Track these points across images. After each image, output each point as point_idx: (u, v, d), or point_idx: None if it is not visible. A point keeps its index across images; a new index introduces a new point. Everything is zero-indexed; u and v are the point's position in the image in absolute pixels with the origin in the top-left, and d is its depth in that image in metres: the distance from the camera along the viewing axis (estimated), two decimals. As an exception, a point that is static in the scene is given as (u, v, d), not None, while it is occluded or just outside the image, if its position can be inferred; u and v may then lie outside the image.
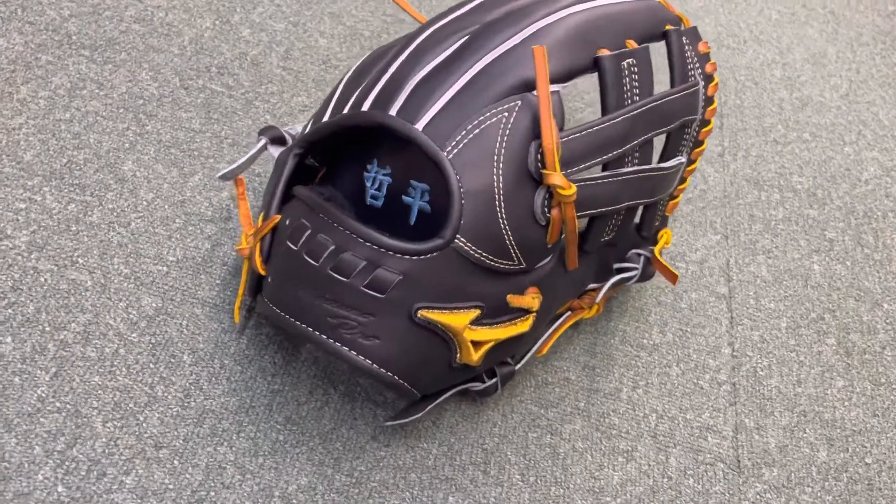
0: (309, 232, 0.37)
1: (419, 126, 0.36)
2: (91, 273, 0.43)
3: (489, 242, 0.36)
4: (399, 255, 0.35)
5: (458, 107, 0.37)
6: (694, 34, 0.45)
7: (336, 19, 0.61)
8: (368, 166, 0.42)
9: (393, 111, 0.37)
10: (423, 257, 0.36)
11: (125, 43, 0.54)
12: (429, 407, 0.40)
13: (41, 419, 0.38)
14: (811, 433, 0.48)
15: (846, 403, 0.50)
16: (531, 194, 0.37)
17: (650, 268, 0.47)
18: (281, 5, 0.61)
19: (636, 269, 0.46)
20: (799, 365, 0.51)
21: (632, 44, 0.41)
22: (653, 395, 0.47)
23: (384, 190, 0.42)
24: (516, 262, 0.38)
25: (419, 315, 0.36)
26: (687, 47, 0.44)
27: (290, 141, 0.44)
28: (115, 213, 0.46)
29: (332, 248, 0.36)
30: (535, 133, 0.37)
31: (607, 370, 0.48)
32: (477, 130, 0.36)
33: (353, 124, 0.39)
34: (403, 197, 0.41)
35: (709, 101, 0.45)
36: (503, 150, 0.36)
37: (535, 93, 0.37)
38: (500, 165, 0.36)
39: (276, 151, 0.44)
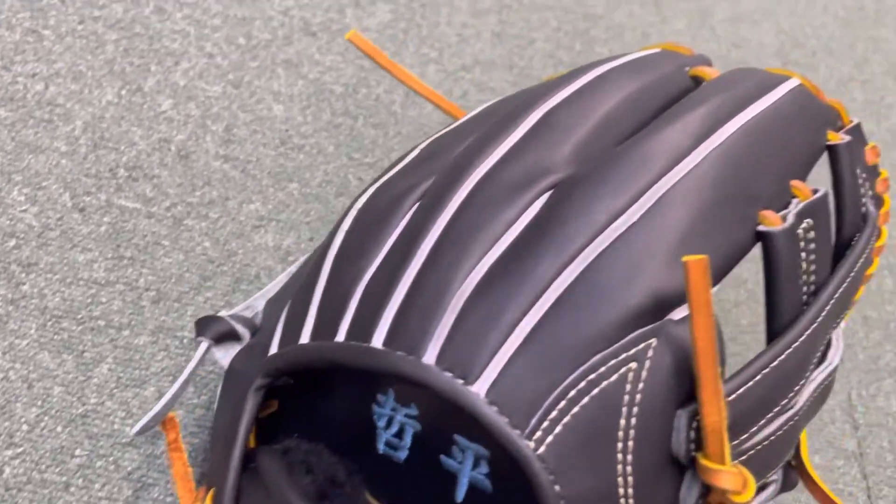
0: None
1: (479, 388, 0.21)
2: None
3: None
4: None
5: (546, 352, 0.21)
6: (858, 136, 0.29)
7: (293, 71, 0.44)
8: (381, 398, 0.26)
9: (430, 354, 0.21)
10: None
11: (-16, 141, 0.36)
12: None
13: None
14: None
15: None
16: (675, 486, 0.22)
17: (793, 474, 0.32)
18: (214, 55, 0.43)
19: (775, 480, 0.31)
20: (963, 551, 0.38)
21: (802, 189, 0.25)
22: None
23: (407, 439, 0.26)
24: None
25: None
26: (856, 163, 0.28)
27: (245, 336, 0.28)
28: (-25, 457, 0.29)
29: None
30: (681, 392, 0.21)
31: None
32: (586, 399, 0.21)
33: (355, 366, 0.22)
34: (443, 458, 0.25)
35: (877, 233, 0.30)
36: (632, 430, 0.21)
37: (676, 315, 0.22)
38: (629, 456, 0.21)
39: (225, 357, 0.28)
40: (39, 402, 0.31)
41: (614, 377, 0.21)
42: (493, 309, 0.21)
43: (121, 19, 0.42)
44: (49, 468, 0.30)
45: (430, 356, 0.21)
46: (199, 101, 0.41)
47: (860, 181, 0.28)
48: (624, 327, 0.21)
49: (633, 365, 0.21)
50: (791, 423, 0.24)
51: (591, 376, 0.21)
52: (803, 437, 0.32)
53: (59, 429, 0.31)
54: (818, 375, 0.26)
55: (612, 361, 0.21)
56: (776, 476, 0.31)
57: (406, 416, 0.26)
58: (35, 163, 0.36)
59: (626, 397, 0.21)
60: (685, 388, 0.21)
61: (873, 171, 0.30)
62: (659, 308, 0.21)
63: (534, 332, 0.21)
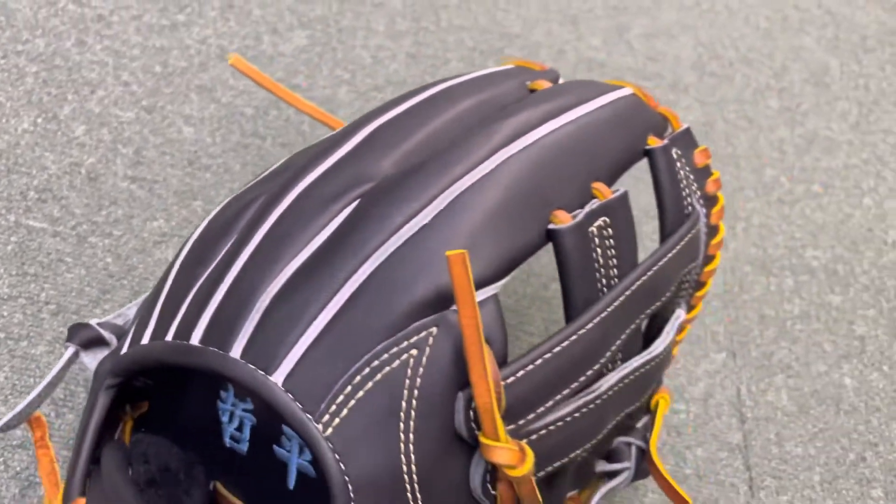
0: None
1: (277, 377, 0.23)
2: None
3: (403, 549, 0.23)
4: None
5: (338, 342, 0.23)
6: (686, 141, 0.31)
7: (206, 95, 0.46)
8: (223, 394, 0.28)
9: (236, 349, 0.23)
10: None
11: None
12: None
13: None
14: None
15: (908, 589, 0.38)
16: (463, 465, 0.24)
17: (645, 463, 0.33)
18: (130, 83, 0.45)
19: (627, 467, 0.33)
20: (842, 539, 0.39)
21: (602, 189, 0.27)
22: None
23: (247, 432, 0.28)
24: (450, 557, 0.24)
25: None
26: (678, 164, 0.30)
27: (112, 342, 0.30)
28: None
29: None
30: (462, 376, 0.23)
31: None
32: (370, 384, 0.23)
33: (178, 363, 0.25)
34: (275, 448, 0.27)
35: (713, 231, 0.32)
36: (413, 412, 0.23)
37: (455, 307, 0.23)
38: (411, 436, 0.23)
39: (92, 361, 0.30)
40: (-63, 409, 0.33)
41: (396, 363, 0.23)
42: (294, 307, 0.23)
43: (42, 52, 0.45)
44: (-58, 469, 0.32)
45: (236, 351, 0.23)
46: (111, 126, 0.43)
47: (683, 182, 0.30)
48: (408, 318, 0.23)
49: (414, 352, 0.23)
50: (591, 406, 0.26)
51: (375, 363, 0.23)
52: (656, 428, 0.33)
53: (-47, 433, 0.33)
54: (633, 363, 0.28)
55: (395, 349, 0.23)
56: (629, 464, 0.33)
57: (244, 410, 0.28)
58: (-51, 188, 0.39)
59: (407, 381, 0.23)
60: (463, 371, 0.23)
61: (703, 173, 0.31)
62: (441, 301, 0.23)
63: (328, 326, 0.23)
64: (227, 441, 0.28)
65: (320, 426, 0.22)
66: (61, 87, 0.44)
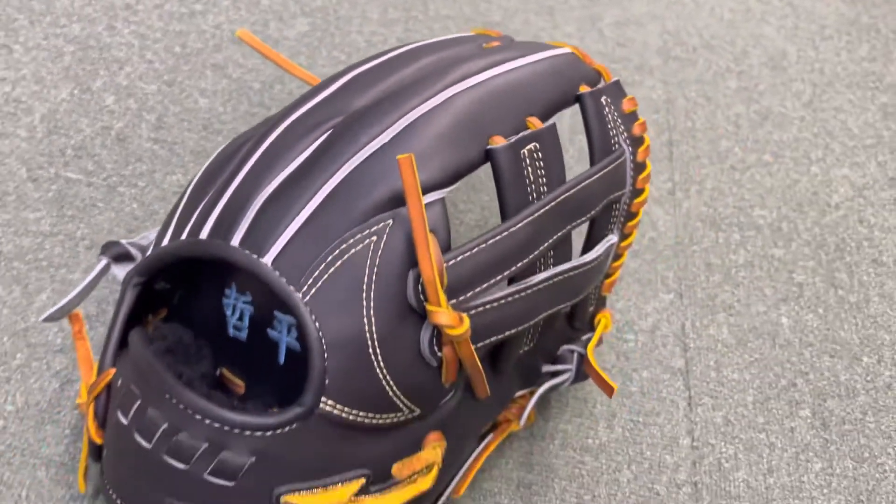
0: (139, 403, 0.29)
1: (267, 259, 0.29)
2: None
3: (366, 399, 0.29)
4: (248, 433, 0.28)
5: (316, 231, 0.29)
6: (616, 90, 0.37)
7: (219, 72, 0.53)
8: (227, 291, 0.35)
9: (236, 239, 0.30)
10: (279, 432, 0.28)
11: (-39, 130, 0.46)
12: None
13: None
14: (787, 536, 0.41)
15: (825, 491, 0.43)
16: (415, 332, 0.30)
17: (584, 367, 0.39)
18: (153, 61, 0.52)
19: (569, 369, 0.39)
20: (770, 448, 0.44)
21: (534, 122, 0.33)
22: (600, 511, 0.40)
23: (246, 320, 0.34)
24: (406, 411, 0.30)
25: (282, 501, 0.29)
26: (607, 109, 0.36)
27: (137, 257, 0.37)
28: (-61, 357, 0.38)
29: (165, 426, 0.29)
30: (413, 258, 0.29)
31: (546, 486, 0.41)
32: (339, 262, 0.29)
33: (190, 255, 0.31)
34: (269, 331, 0.33)
35: (640, 167, 0.38)
36: (374, 284, 0.29)
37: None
38: (372, 303, 0.29)
39: (121, 272, 0.36)
40: (-8, 320, 0.40)
41: (359, 247, 0.29)
42: (281, 206, 0.30)
43: (77, 35, 0.52)
44: (-4, 367, 0.38)
45: (235, 241, 0.30)
46: (137, 97, 0.50)
47: (611, 124, 0.36)
48: (370, 214, 0.29)
49: (374, 238, 0.29)
50: (523, 294, 0.32)
51: (343, 246, 0.29)
52: (595, 338, 0.39)
53: (4, 339, 0.39)
54: (562, 267, 0.34)
55: (359, 236, 0.29)
56: (571, 366, 0.39)
57: (244, 302, 0.34)
58: (0, 145, 0.46)
59: (368, 261, 0.29)
60: (413, 255, 0.29)
61: (630, 117, 0.37)
62: (396, 201, 0.29)
63: (308, 220, 0.29)
64: (231, 331, 0.35)
65: (300, 295, 0.28)
66: (94, 64, 0.51)
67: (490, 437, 0.38)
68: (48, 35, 0.52)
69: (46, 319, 0.34)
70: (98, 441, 0.32)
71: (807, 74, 0.66)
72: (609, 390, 0.36)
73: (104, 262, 0.36)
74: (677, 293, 0.50)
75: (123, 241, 0.37)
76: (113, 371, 0.32)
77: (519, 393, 0.39)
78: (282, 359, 0.33)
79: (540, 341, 0.36)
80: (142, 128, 0.49)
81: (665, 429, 0.44)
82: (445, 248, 0.30)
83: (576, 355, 0.39)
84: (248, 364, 0.35)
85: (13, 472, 0.36)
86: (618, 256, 0.40)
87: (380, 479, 0.31)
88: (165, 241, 0.32)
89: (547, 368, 0.38)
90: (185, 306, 0.36)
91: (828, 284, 0.53)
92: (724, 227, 0.54)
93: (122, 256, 0.36)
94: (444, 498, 0.36)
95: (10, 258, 0.42)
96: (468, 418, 0.34)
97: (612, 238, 0.38)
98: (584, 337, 0.40)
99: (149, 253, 0.33)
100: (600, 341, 0.41)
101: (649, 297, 0.49)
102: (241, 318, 0.34)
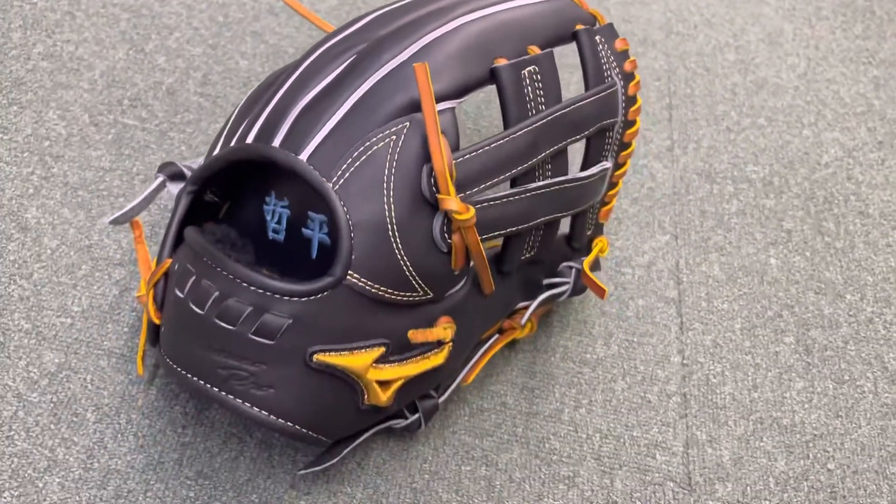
0: (194, 278, 0.35)
1: (303, 156, 0.34)
2: (-11, 331, 0.41)
3: (387, 276, 0.34)
4: (287, 298, 0.33)
5: (344, 133, 0.34)
6: (609, 31, 0.42)
7: (258, 38, 0.59)
8: (267, 199, 0.40)
9: (276, 142, 0.35)
10: (313, 298, 0.33)
11: (32, 82, 0.52)
12: (344, 451, 0.38)
13: (-68, 494, 0.36)
14: (768, 441, 0.45)
15: (806, 406, 0.47)
16: (429, 220, 0.34)
17: (582, 281, 0.44)
18: (199, 28, 0.58)
19: (567, 283, 0.44)
20: (755, 368, 0.48)
21: (534, 50, 0.38)
22: (596, 413, 0.45)
23: (284, 223, 0.39)
24: (421, 292, 0.35)
25: (315, 359, 0.34)
26: (601, 46, 0.41)
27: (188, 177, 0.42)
28: (16, 265, 0.44)
29: (217, 294, 0.34)
30: (427, 155, 0.34)
31: (547, 391, 0.45)
32: (364, 157, 0.34)
33: (237, 158, 0.36)
34: (303, 230, 0.38)
35: (631, 100, 0.43)
36: (393, 176, 0.34)
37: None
38: (392, 192, 0.34)
39: (175, 188, 0.42)
40: (59, 238, 0.45)
41: (381, 144, 0.34)
42: (315, 113, 0.35)
43: (132, 5, 0.58)
44: (63, 277, 0.44)
45: (276, 143, 0.35)
46: (185, 57, 0.56)
47: (604, 59, 0.41)
48: (391, 118, 0.34)
49: (393, 137, 0.34)
50: (522, 196, 0.36)
51: (367, 144, 0.34)
52: (591, 255, 0.44)
53: (71, 253, 0.45)
54: (559, 178, 0.38)
55: (380, 135, 0.34)
56: (569, 280, 0.44)
57: (282, 207, 0.39)
58: (66, 95, 0.52)
59: (388, 156, 0.34)
60: (427, 153, 0.34)
61: (622, 56, 0.42)
62: (413, 107, 0.35)
63: (337, 124, 0.35)
64: (270, 234, 0.40)
65: (331, 185, 0.33)
66: (146, 30, 0.57)
67: (496, 337, 0.43)
68: (106, 4, 0.58)
69: (113, 222, 0.39)
70: (157, 321, 0.37)
71: (802, 49, 0.71)
72: (601, 293, 0.41)
73: (161, 178, 0.41)
74: (672, 235, 0.55)
75: (178, 162, 0.42)
76: (170, 261, 0.37)
77: (521, 304, 0.43)
78: (314, 253, 0.38)
79: (540, 252, 0.41)
80: (189, 84, 0.55)
81: (658, 348, 0.48)
82: (455, 149, 0.35)
83: (574, 271, 0.44)
84: (285, 263, 0.40)
85: (80, 361, 0.41)
86: (613, 185, 0.45)
87: (397, 351, 0.36)
88: (216, 152, 0.38)
89: (547, 281, 0.43)
90: (230, 216, 0.41)
91: (815, 231, 0.57)
92: (719, 180, 0.59)
93: (177, 175, 0.42)
94: (454, 384, 0.41)
95: (75, 187, 0.48)
96: (475, 311, 0.39)
97: (607, 164, 0.42)
98: (582, 258, 0.45)
99: (200, 165, 0.39)
100: (597, 261, 0.45)
101: (647, 237, 0.54)
102: (279, 222, 0.39)
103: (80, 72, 0.53)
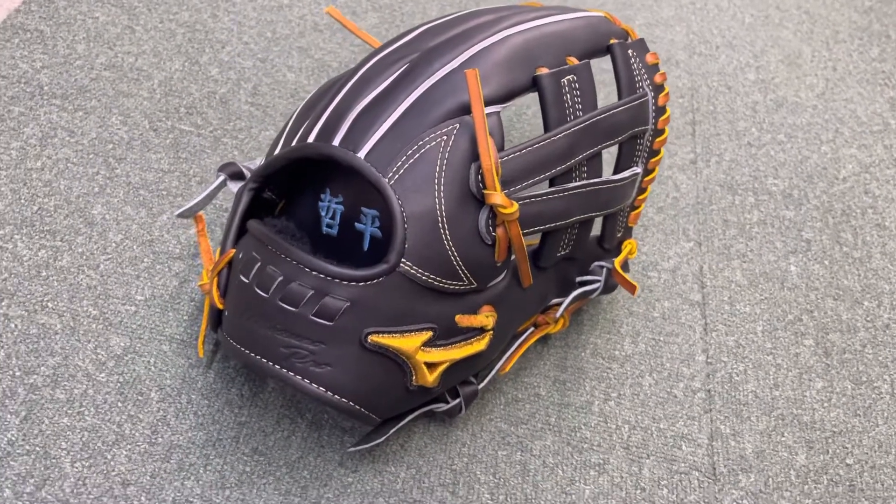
0: (259, 264, 0.38)
1: (361, 154, 0.37)
2: (60, 316, 0.44)
3: (436, 264, 0.37)
4: (346, 283, 0.36)
5: (399, 133, 0.37)
6: (641, 46, 0.45)
7: (304, 53, 0.62)
8: (322, 196, 0.43)
9: (336, 141, 0.38)
10: (369, 283, 0.36)
11: (96, 90, 0.56)
12: (391, 431, 0.41)
13: (11, 462, 0.39)
14: (789, 436, 0.48)
15: (825, 404, 0.49)
16: (475, 214, 0.37)
17: (612, 279, 0.47)
18: (249, 43, 0.62)
19: (598, 281, 0.46)
20: (776, 368, 0.51)
21: (572, 60, 0.41)
22: (625, 406, 0.47)
23: (338, 218, 0.42)
24: (466, 282, 0.38)
25: (369, 340, 0.37)
26: (633, 59, 0.44)
27: (248, 176, 0.45)
28: (84, 257, 0.47)
29: (281, 279, 0.37)
30: (475, 154, 0.37)
31: (578, 384, 0.48)
32: (417, 155, 0.37)
33: (300, 156, 0.39)
34: (356, 224, 0.41)
35: (660, 110, 0.46)
36: (444, 173, 0.37)
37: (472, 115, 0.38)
38: (442, 188, 0.37)
39: (235, 187, 0.45)
40: (123, 233, 0.49)
41: (433, 144, 0.37)
42: (372, 115, 0.38)
43: (187, 21, 0.62)
44: (127, 268, 0.47)
45: (336, 142, 0.38)
46: (236, 70, 0.60)
47: (636, 71, 0.44)
48: (442, 120, 0.37)
49: (444, 138, 0.37)
50: (561, 195, 0.39)
51: (420, 143, 0.37)
52: (621, 255, 0.47)
53: (135, 247, 0.48)
54: (594, 180, 0.41)
55: (433, 135, 0.37)
56: (600, 278, 0.46)
57: (336, 203, 0.42)
58: (127, 102, 0.55)
59: (440, 155, 0.37)
60: (475, 152, 0.37)
61: (653, 69, 0.45)
62: (463, 111, 0.38)
63: (393, 125, 0.38)
64: (324, 229, 0.43)
65: (387, 180, 0.37)
66: (201, 44, 0.61)
67: (531, 330, 0.46)
68: (163, 20, 0.62)
69: (180, 215, 0.43)
70: (220, 306, 0.40)
71: (820, 71, 0.74)
72: (632, 288, 0.44)
73: (223, 177, 0.44)
74: (696, 242, 0.57)
75: (238, 162, 0.45)
76: (233, 251, 0.40)
77: (555, 301, 0.46)
78: (366, 245, 0.41)
79: (574, 250, 0.44)
80: (240, 94, 0.58)
81: (683, 347, 0.51)
82: (500, 149, 0.38)
83: (605, 270, 0.46)
84: (337, 256, 0.43)
85: (143, 345, 0.44)
86: (642, 190, 0.48)
87: (444, 336, 0.38)
88: (277, 151, 0.41)
89: (580, 279, 0.46)
90: (287, 212, 0.44)
91: (833, 242, 0.59)
92: (741, 191, 0.62)
93: (236, 175, 0.45)
94: (492, 373, 0.44)
95: (137, 187, 0.51)
96: (514, 303, 0.42)
97: (637, 169, 0.45)
98: (612, 258, 0.47)
99: (261, 164, 0.42)
100: (626, 262, 0.48)
101: (671, 243, 0.57)
102: (333, 217, 0.42)
103: (139, 81, 0.57)
